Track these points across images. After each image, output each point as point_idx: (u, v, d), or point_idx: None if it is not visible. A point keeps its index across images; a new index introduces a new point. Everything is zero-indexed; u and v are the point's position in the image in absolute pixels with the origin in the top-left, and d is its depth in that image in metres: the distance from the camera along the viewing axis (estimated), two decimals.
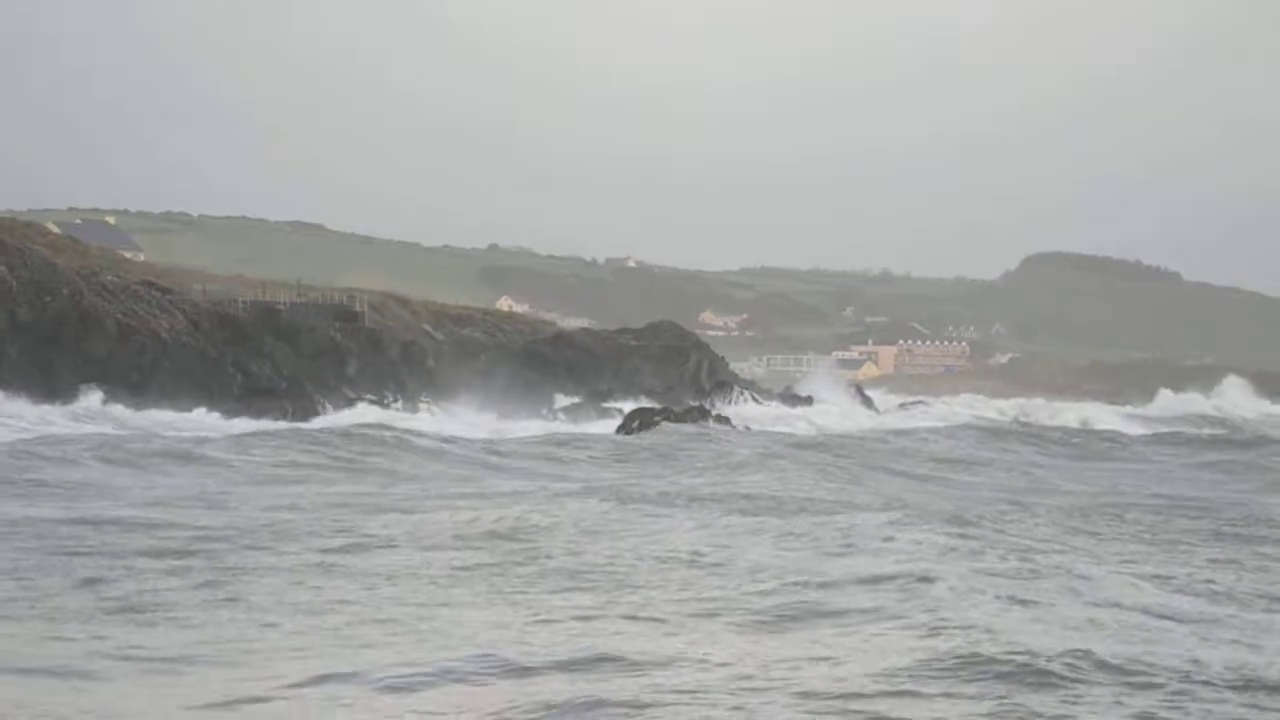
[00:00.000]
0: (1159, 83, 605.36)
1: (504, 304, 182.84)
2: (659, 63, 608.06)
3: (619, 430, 68.61)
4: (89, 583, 22.52)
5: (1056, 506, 35.12)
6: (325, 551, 26.13)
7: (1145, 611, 20.66)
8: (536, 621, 19.85)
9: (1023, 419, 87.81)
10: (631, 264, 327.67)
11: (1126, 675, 15.64)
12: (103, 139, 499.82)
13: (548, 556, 25.93)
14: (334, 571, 23.99)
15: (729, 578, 23.18)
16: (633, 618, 20.39)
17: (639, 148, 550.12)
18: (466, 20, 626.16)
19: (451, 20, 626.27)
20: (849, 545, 26.73)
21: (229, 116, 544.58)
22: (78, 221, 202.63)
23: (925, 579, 21.79)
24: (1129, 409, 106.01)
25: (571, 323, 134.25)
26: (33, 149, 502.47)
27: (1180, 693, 15.27)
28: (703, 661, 16.93)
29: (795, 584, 22.16)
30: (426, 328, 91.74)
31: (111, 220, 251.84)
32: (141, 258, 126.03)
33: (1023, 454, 61.86)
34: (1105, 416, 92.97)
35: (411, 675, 16.36)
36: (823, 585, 21.91)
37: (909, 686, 15.56)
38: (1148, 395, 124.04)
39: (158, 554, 25.77)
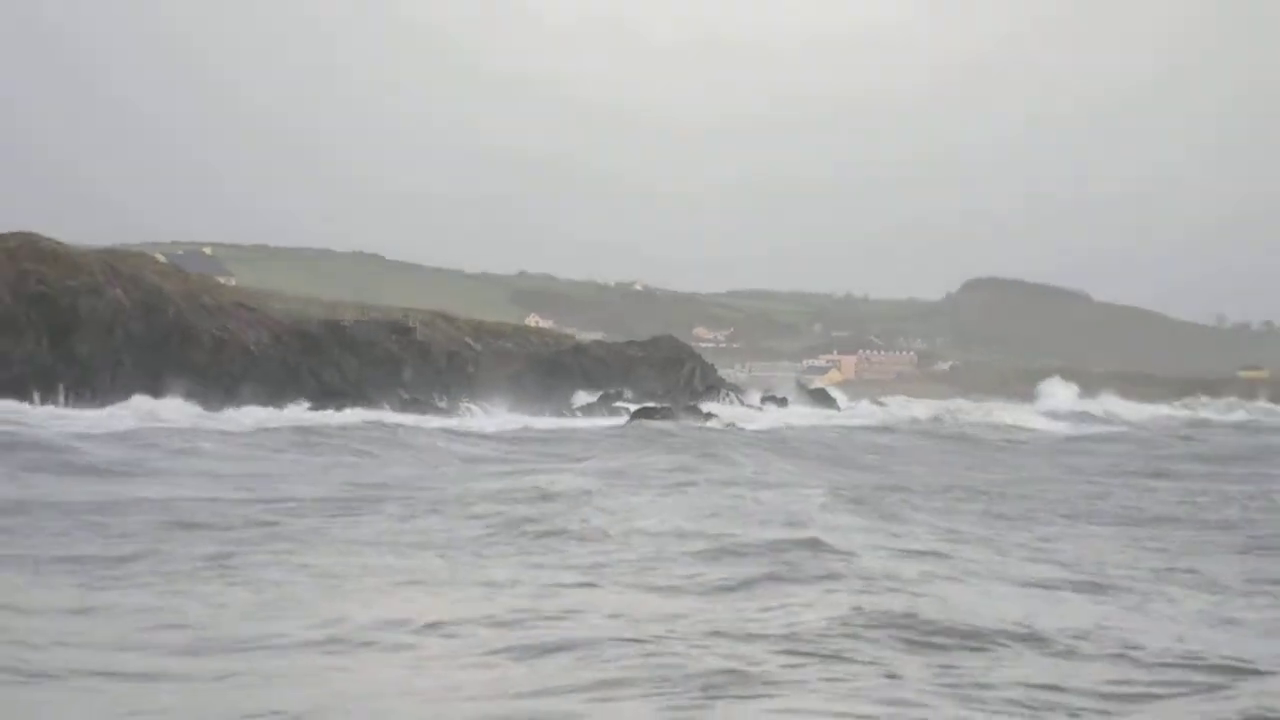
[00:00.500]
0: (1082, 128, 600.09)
1: (532, 320, 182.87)
2: (658, 91, 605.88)
3: (627, 424, 68.95)
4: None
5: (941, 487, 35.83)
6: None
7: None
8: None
9: (955, 416, 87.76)
10: (638, 287, 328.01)
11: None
12: (199, 185, 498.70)
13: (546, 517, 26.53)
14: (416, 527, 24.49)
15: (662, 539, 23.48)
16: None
17: (643, 181, 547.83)
18: (496, 66, 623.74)
19: (487, 69, 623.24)
20: (771, 514, 27.14)
21: (301, 160, 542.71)
22: (180, 252, 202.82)
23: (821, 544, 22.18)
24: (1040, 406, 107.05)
25: (587, 336, 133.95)
26: (145, 190, 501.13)
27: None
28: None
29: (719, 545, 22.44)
30: (468, 340, 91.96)
31: (208, 251, 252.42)
32: (233, 282, 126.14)
33: (935, 446, 62.27)
34: (1022, 414, 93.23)
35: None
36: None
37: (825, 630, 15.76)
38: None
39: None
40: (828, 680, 13.25)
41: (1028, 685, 13.29)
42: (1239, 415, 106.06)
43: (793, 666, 13.77)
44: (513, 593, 18.79)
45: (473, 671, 14.06)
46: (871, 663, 13.97)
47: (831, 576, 19.33)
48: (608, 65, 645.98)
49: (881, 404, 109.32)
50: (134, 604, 18.07)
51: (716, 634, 15.31)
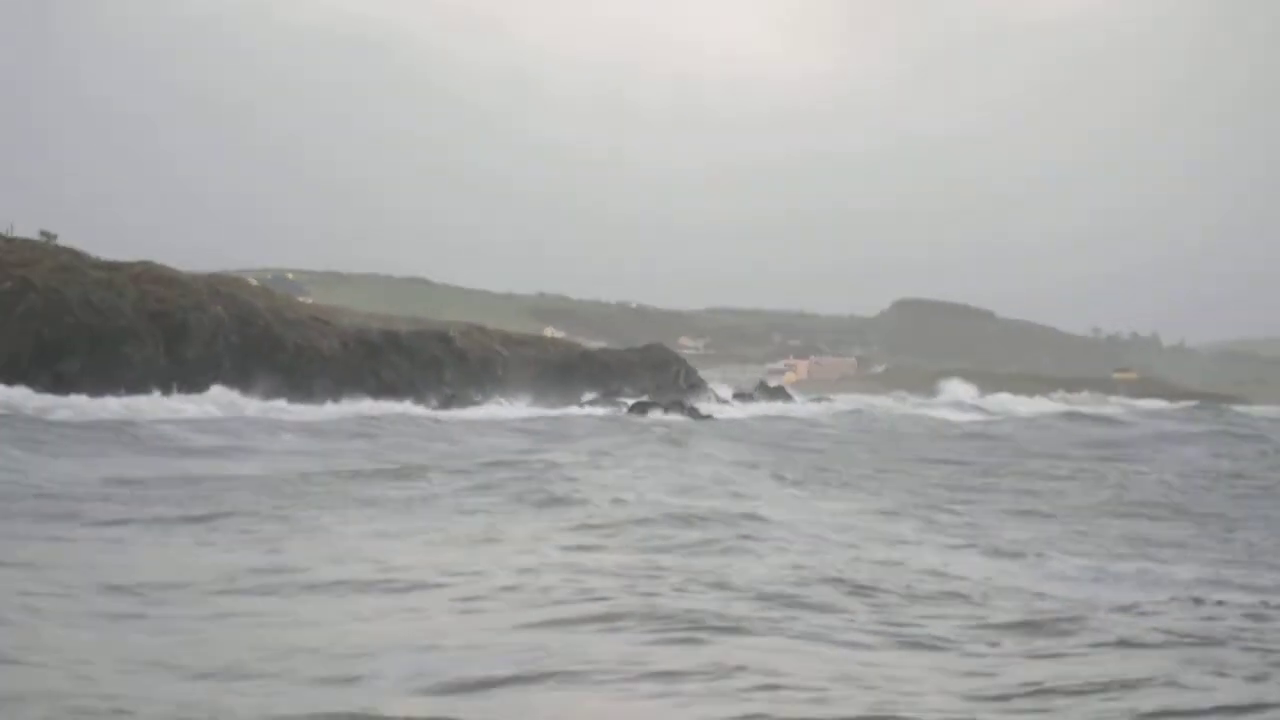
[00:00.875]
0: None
1: (548, 332, 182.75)
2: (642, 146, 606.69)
3: (625, 414, 69.56)
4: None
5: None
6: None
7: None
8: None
9: (884, 410, 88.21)
10: (634, 305, 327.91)
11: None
12: (284, 223, 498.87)
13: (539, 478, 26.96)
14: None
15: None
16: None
17: (638, 219, 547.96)
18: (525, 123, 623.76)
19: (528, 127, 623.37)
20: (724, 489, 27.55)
21: (364, 203, 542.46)
22: (269, 276, 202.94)
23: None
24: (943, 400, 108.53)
25: (594, 344, 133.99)
26: (241, 227, 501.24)
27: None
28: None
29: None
30: (497, 347, 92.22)
31: (290, 275, 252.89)
32: (310, 301, 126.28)
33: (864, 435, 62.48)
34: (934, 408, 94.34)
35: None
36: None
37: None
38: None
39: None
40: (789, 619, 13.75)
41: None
42: (1109, 409, 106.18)
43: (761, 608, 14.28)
44: (523, 547, 19.26)
45: (498, 608, 14.55)
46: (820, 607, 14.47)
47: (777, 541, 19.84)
48: (607, 128, 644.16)
49: (828, 399, 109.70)
50: (240, 554, 18.57)
51: (693, 581, 15.76)
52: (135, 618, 13.79)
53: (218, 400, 65.97)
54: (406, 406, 69.27)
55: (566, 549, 19.09)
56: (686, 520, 21.54)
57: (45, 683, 10.75)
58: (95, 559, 17.86)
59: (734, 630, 12.92)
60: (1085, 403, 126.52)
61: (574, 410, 76.00)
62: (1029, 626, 13.55)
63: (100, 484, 28.12)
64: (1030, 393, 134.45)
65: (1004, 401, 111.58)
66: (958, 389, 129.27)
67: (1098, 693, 10.61)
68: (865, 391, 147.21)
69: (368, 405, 68.99)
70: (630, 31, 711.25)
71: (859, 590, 15.33)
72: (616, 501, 24.30)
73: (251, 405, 65.43)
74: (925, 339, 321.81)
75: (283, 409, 66.22)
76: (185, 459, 36.25)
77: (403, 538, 20.26)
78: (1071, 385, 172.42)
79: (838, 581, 15.83)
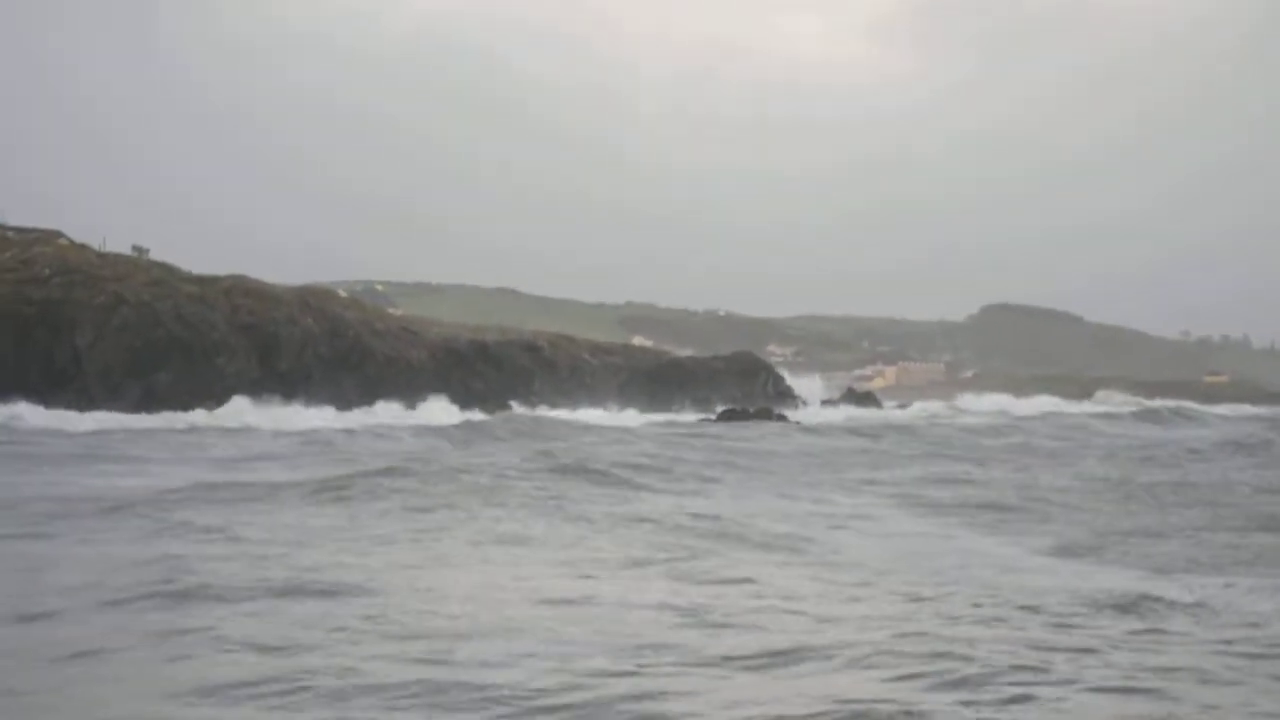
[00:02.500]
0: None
1: (636, 340, 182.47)
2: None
3: (716, 421, 69.26)
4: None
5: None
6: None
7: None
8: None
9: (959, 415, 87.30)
10: (722, 313, 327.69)
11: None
12: (375, 235, 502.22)
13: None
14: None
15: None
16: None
17: (726, 227, 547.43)
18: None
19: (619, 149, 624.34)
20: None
21: (454, 216, 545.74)
22: (358, 288, 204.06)
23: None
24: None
25: (681, 352, 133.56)
26: (332, 240, 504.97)
27: None
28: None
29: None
30: (585, 356, 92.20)
31: (380, 287, 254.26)
32: (399, 312, 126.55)
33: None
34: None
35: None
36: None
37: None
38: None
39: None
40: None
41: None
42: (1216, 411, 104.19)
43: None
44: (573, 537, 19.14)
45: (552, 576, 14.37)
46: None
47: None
48: (688, 139, 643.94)
49: (954, 408, 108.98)
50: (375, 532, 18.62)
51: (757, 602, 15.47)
52: None
53: (310, 410, 66.32)
54: (495, 415, 68.96)
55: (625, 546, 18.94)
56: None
57: None
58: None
59: None
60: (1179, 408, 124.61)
61: (662, 416, 75.61)
62: None
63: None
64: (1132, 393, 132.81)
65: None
66: (1114, 398, 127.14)
67: None
68: (954, 397, 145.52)
69: (454, 414, 68.77)
70: (708, 45, 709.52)
71: None
72: (678, 513, 24.04)
73: (341, 418, 65.54)
74: (1014, 344, 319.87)
75: (375, 414, 66.54)
76: (328, 461, 36.27)
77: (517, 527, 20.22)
78: (1162, 390, 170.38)
79: None
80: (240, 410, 63.89)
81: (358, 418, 64.28)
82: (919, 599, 15.10)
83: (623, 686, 10.77)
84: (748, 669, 11.50)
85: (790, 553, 19.86)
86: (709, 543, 20.39)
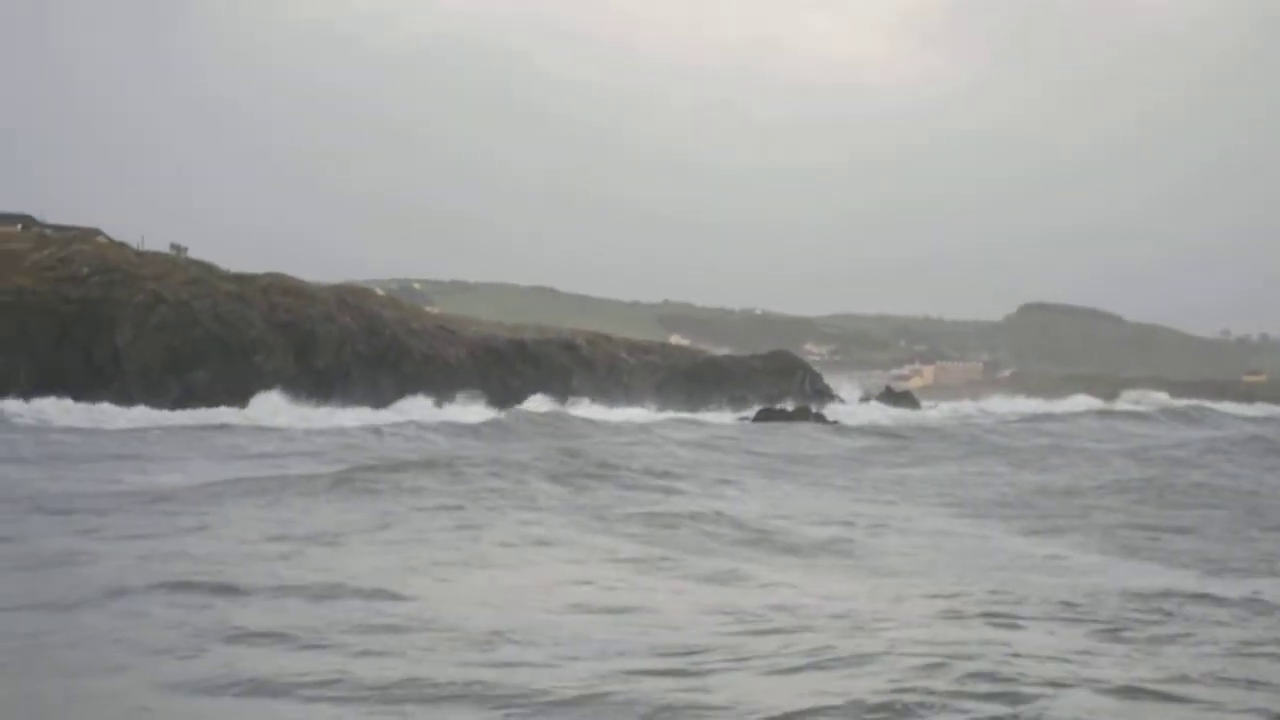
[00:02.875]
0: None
1: (673, 339, 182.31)
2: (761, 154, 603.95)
3: (754, 421, 69.00)
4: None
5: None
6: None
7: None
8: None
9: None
10: (758, 312, 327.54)
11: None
12: (411, 233, 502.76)
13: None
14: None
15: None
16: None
17: (762, 227, 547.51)
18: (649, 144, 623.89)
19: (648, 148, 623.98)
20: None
21: (490, 214, 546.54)
22: (395, 287, 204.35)
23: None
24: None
25: (718, 351, 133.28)
26: (369, 239, 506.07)
27: None
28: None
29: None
30: (623, 354, 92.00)
31: (417, 286, 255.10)
32: (436, 310, 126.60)
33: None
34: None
35: None
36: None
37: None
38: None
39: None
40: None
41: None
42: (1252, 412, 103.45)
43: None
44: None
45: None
46: None
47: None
48: (725, 139, 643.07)
49: (953, 404, 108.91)
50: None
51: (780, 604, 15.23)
52: None
53: (348, 409, 66.34)
54: (534, 411, 68.80)
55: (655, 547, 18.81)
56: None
57: None
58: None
59: None
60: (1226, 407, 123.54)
61: (697, 415, 75.29)
62: None
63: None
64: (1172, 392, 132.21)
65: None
66: (1148, 397, 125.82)
67: None
68: (991, 395, 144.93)
69: (493, 412, 68.70)
70: (739, 44, 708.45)
71: None
72: (718, 515, 23.83)
73: (378, 413, 65.49)
74: (1052, 343, 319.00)
75: (410, 410, 66.51)
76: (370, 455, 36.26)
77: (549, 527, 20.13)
78: (1198, 390, 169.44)
79: None
80: (275, 408, 63.89)
81: (392, 415, 64.18)
82: (958, 597, 14.85)
83: (665, 685, 10.66)
84: (788, 670, 11.32)
85: (831, 555, 19.67)
86: (747, 549, 20.15)
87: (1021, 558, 19.83)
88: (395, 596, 14.62)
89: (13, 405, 58.07)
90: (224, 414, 60.44)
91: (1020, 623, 13.30)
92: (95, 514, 22.63)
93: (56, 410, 57.61)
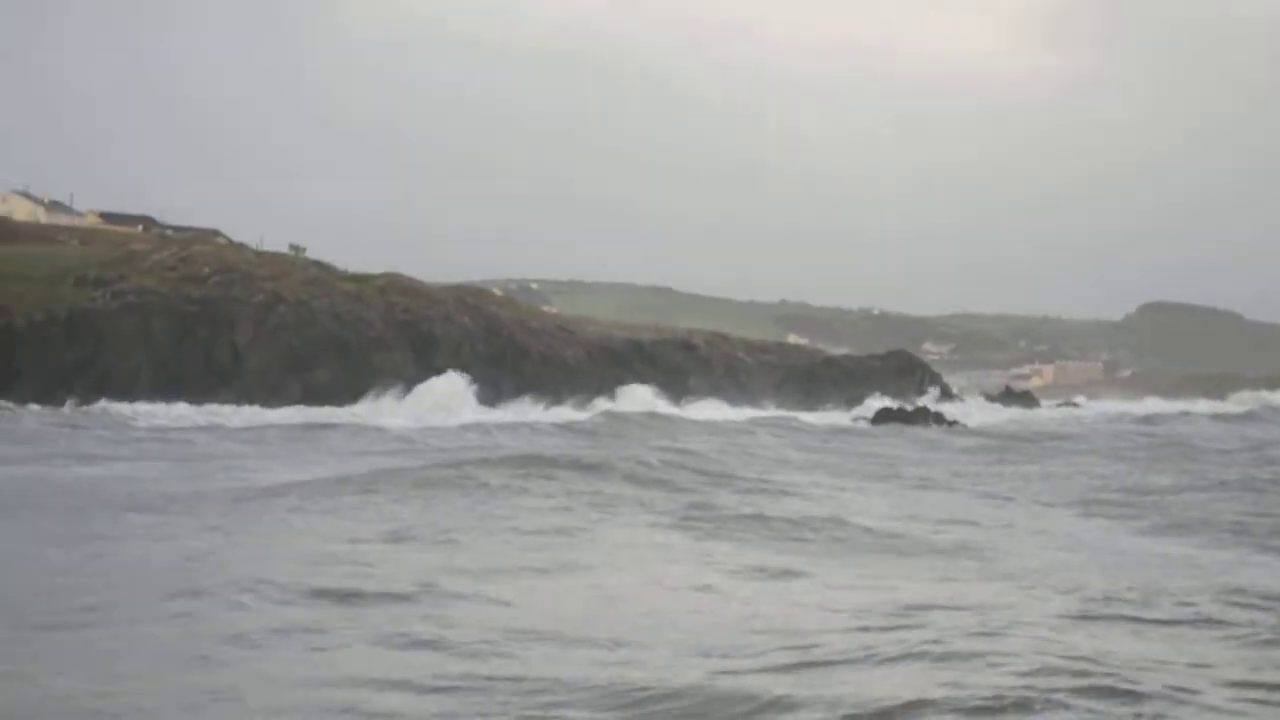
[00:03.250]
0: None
1: (791, 339, 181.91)
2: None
3: (872, 421, 68.29)
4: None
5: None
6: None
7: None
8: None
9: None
10: (876, 311, 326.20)
11: None
12: (530, 233, 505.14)
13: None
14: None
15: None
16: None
17: (880, 217, 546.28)
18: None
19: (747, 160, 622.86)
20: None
21: (607, 212, 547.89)
22: (513, 287, 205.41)
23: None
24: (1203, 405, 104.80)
25: (836, 351, 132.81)
26: (488, 238, 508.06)
27: None
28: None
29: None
30: (740, 354, 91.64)
31: (535, 286, 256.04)
32: (554, 310, 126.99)
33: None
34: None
35: None
36: None
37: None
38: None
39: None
40: None
41: None
42: None
43: None
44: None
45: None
46: None
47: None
48: (841, 137, 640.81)
49: (1075, 404, 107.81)
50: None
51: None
52: None
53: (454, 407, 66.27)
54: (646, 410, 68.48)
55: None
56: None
57: None
58: None
59: None
60: None
61: (815, 415, 74.71)
62: None
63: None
64: None
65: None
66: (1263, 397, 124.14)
67: None
68: (1113, 397, 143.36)
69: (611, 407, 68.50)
70: (850, 45, 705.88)
71: None
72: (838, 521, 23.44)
73: (494, 413, 65.42)
74: (1172, 343, 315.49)
75: (528, 412, 66.43)
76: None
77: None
78: None
79: None
80: (390, 408, 63.86)
81: (506, 414, 64.10)
82: (1086, 597, 14.59)
83: (783, 680, 10.59)
84: (907, 665, 11.27)
85: (959, 557, 19.25)
86: (869, 552, 19.82)
87: (1152, 557, 19.41)
88: (500, 602, 14.45)
89: (137, 406, 58.47)
90: (339, 413, 60.53)
91: (1145, 624, 13.13)
92: (221, 513, 22.74)
93: (176, 410, 57.86)
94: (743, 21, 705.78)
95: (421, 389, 67.61)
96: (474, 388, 69.14)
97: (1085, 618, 13.43)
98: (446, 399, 66.23)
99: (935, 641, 11.86)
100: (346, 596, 14.54)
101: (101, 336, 66.33)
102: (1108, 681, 10.15)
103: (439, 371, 71.19)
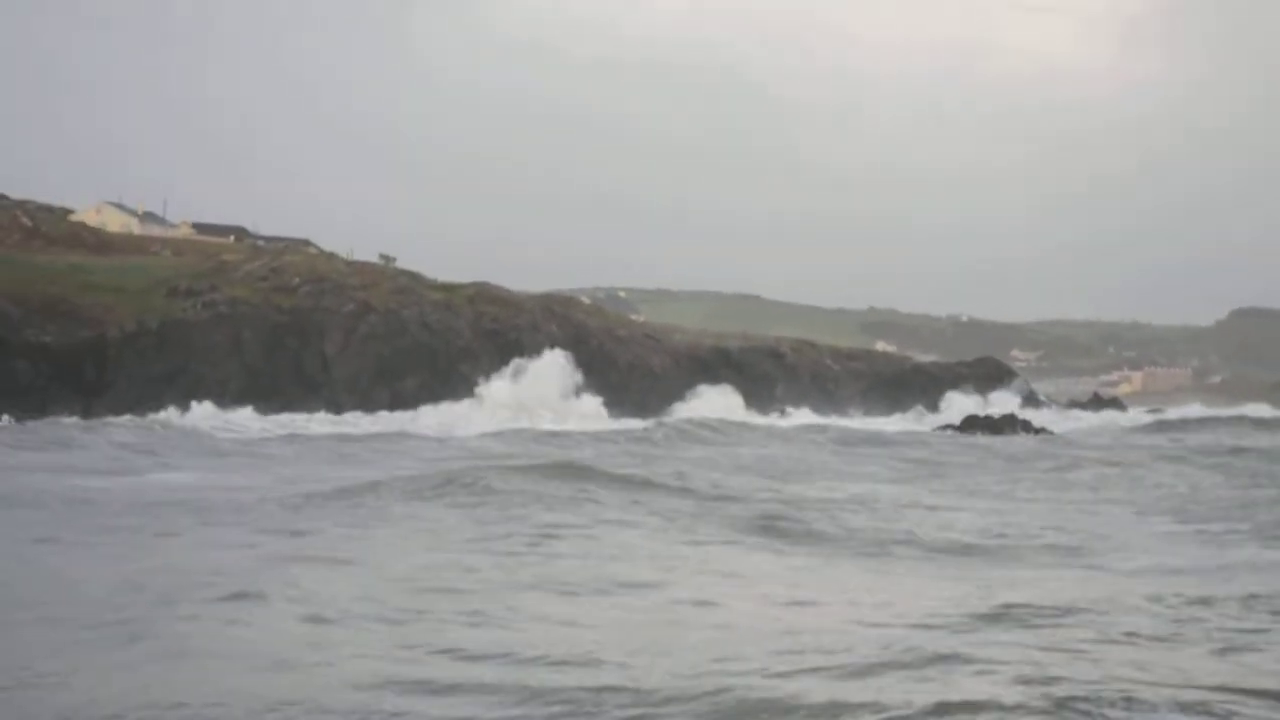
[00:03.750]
0: None
1: (879, 346, 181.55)
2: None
3: (959, 429, 67.66)
4: None
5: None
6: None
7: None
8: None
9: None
10: (964, 318, 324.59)
11: None
12: (618, 243, 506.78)
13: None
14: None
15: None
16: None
17: (967, 223, 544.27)
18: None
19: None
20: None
21: (691, 221, 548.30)
22: (601, 295, 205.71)
23: None
24: None
25: (923, 358, 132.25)
26: (576, 248, 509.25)
27: None
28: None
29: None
30: (828, 362, 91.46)
31: (622, 294, 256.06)
32: (641, 319, 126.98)
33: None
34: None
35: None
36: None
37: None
38: None
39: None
40: None
41: None
42: None
43: None
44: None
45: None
46: None
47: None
48: (929, 147, 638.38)
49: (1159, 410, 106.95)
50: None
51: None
52: None
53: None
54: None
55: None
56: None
57: None
58: None
59: None
60: None
61: (906, 423, 74.26)
62: None
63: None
64: None
65: None
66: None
67: None
68: (1201, 402, 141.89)
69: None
70: (944, 46, 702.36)
71: None
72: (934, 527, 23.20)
73: (577, 418, 65.40)
74: (1264, 348, 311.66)
75: (600, 420, 66.39)
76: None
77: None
78: None
79: None
80: (469, 415, 63.81)
81: (596, 423, 64.11)
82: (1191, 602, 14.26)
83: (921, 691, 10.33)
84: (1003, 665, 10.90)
85: (1058, 564, 18.98)
86: (960, 560, 19.55)
87: (1249, 564, 18.98)
88: (572, 624, 14.29)
89: (230, 415, 58.90)
90: (424, 420, 60.66)
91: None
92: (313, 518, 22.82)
93: (268, 419, 58.17)
94: (824, 23, 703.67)
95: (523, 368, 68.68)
96: (578, 375, 69.83)
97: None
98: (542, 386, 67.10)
99: (1030, 649, 11.68)
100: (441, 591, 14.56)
101: (192, 347, 66.78)
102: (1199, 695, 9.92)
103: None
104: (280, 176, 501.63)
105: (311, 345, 69.16)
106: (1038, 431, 66.72)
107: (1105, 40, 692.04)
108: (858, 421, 73.76)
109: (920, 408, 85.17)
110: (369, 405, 65.80)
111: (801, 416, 72.36)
